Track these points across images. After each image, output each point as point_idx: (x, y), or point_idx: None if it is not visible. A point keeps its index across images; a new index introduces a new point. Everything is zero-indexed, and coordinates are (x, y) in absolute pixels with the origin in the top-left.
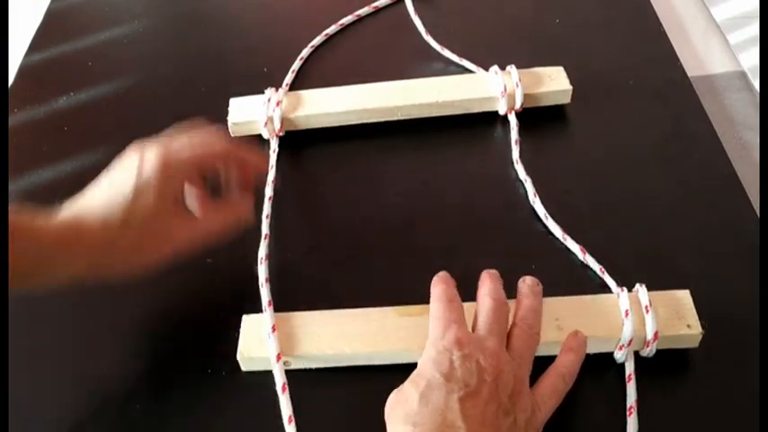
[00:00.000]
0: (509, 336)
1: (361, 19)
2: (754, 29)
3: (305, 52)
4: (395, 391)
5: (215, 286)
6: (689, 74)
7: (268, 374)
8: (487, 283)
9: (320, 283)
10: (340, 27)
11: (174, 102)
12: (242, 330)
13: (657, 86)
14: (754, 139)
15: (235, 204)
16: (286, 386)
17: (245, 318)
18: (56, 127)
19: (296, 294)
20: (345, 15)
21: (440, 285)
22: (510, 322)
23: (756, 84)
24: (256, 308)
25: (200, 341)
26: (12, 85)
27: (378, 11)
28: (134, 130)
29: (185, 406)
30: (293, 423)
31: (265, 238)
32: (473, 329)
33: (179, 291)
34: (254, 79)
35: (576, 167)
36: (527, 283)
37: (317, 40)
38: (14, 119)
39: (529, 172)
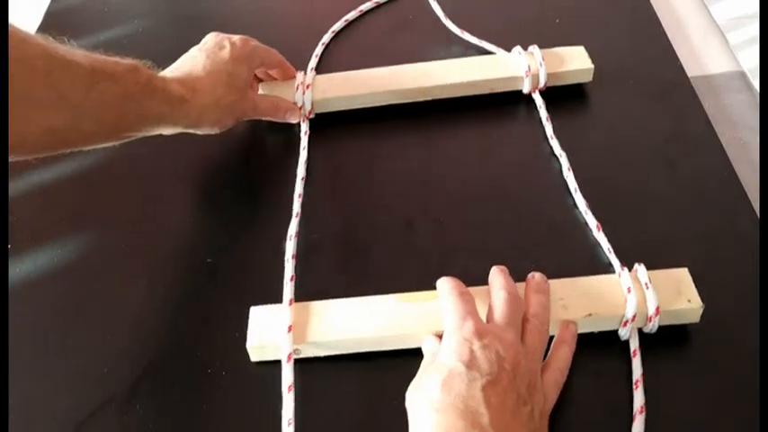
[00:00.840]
0: (523, 330)
1: (379, 6)
2: (753, 29)
3: (326, 37)
4: (415, 379)
5: (215, 286)
6: (689, 74)
7: (272, 369)
8: (500, 278)
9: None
10: (359, 14)
11: None
12: (250, 322)
13: (657, 86)
14: (753, 139)
15: (282, 101)
16: (291, 356)
17: (252, 309)
18: None
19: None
20: (365, 2)
21: (449, 282)
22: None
23: (756, 84)
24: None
25: (200, 340)
26: None
27: None
28: None
29: (185, 405)
30: (292, 392)
31: (297, 216)
32: (487, 321)
33: (180, 290)
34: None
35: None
36: (536, 280)
37: (337, 26)
38: None
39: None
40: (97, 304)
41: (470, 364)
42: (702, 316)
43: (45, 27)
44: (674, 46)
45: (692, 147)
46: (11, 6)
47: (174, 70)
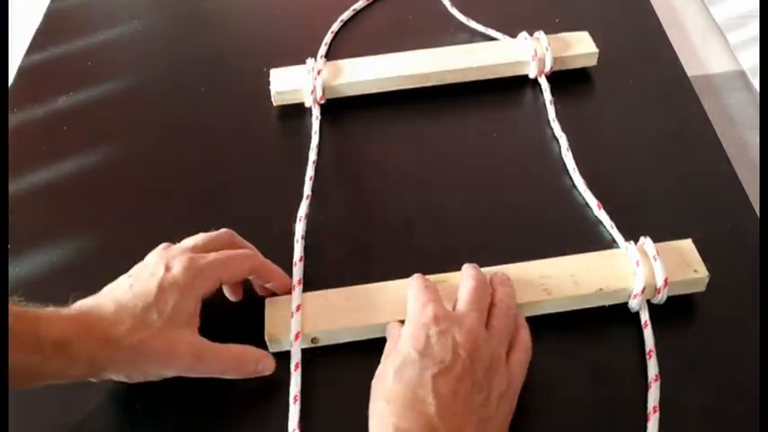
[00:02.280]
0: (489, 315)
1: None
2: (753, 29)
3: (335, 26)
4: (378, 369)
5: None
6: (689, 74)
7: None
8: (470, 269)
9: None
10: (367, 2)
11: (177, 101)
12: (266, 314)
13: (657, 86)
14: (753, 138)
15: (251, 349)
16: (300, 335)
17: (267, 301)
18: (56, 127)
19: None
20: None
21: (416, 278)
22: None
23: (756, 83)
24: (255, 306)
25: None
26: (12, 85)
27: None
28: (134, 130)
29: (185, 405)
30: (299, 370)
31: (307, 198)
32: (453, 309)
33: None
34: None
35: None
36: (498, 276)
37: (345, 15)
38: (14, 119)
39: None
40: None
41: (424, 351)
42: (705, 310)
43: (45, 27)
44: (675, 46)
45: (692, 147)
46: (11, 6)
47: (90, 299)
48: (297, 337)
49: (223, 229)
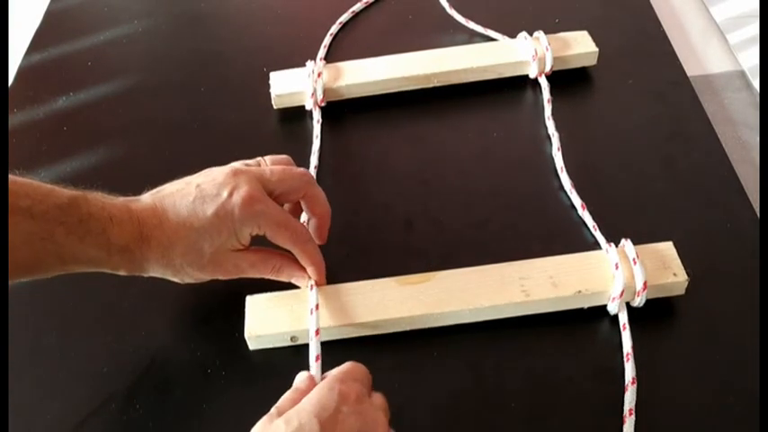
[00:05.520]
0: None
1: None
2: (753, 29)
3: (334, 28)
4: (267, 419)
5: (215, 285)
6: (689, 74)
7: (272, 370)
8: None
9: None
10: (365, 5)
11: (177, 102)
12: (247, 311)
13: (657, 86)
14: (753, 138)
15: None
16: (319, 331)
17: (248, 298)
18: (55, 127)
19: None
20: None
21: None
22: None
23: (756, 83)
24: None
25: (200, 341)
26: (12, 85)
27: None
28: (134, 130)
29: (185, 405)
30: (320, 361)
31: None
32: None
33: (180, 289)
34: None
35: (578, 160)
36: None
37: (344, 17)
38: (14, 119)
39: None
40: (97, 304)
41: (325, 426)
42: (698, 311)
43: (45, 27)
44: (674, 46)
45: (692, 147)
46: (11, 6)
47: (154, 195)
48: (317, 333)
49: (302, 170)
